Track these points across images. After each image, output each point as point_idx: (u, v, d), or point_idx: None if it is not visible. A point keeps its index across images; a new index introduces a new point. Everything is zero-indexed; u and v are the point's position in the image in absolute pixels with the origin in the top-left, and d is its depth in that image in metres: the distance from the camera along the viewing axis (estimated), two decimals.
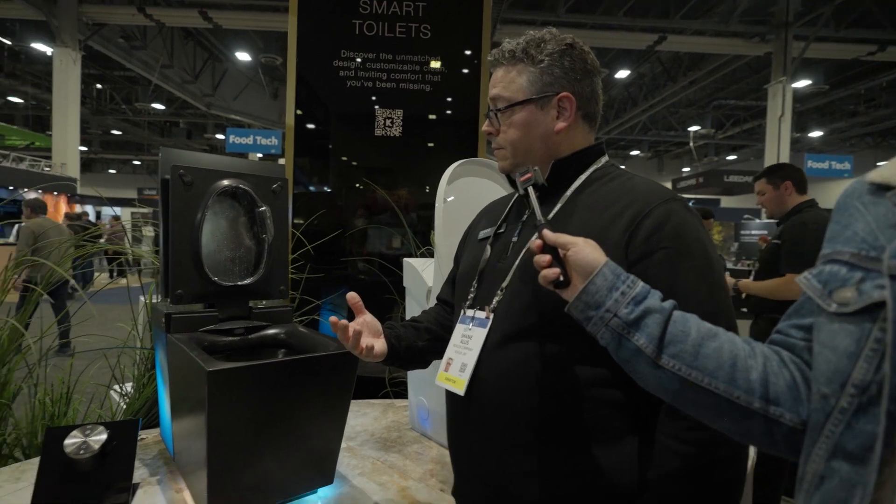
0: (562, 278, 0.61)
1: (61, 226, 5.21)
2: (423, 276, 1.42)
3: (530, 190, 0.71)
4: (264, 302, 1.38)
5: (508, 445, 0.73)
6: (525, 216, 0.83)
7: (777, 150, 10.62)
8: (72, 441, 1.03)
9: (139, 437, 1.32)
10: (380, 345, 0.85)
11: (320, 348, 1.06)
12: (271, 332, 1.24)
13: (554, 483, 0.71)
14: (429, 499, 1.09)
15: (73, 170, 11.64)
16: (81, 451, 1.02)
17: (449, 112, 2.17)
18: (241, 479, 0.95)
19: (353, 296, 0.84)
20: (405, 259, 1.49)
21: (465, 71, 2.15)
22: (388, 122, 2.07)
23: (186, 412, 1.04)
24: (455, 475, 0.85)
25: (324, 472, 1.08)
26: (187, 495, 1.06)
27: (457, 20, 2.13)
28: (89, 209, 12.23)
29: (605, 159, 0.84)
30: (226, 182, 1.23)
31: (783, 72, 10.15)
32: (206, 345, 1.10)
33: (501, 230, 0.87)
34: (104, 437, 1.05)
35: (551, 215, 0.79)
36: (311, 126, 2.13)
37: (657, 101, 13.84)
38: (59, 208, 11.73)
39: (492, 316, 0.77)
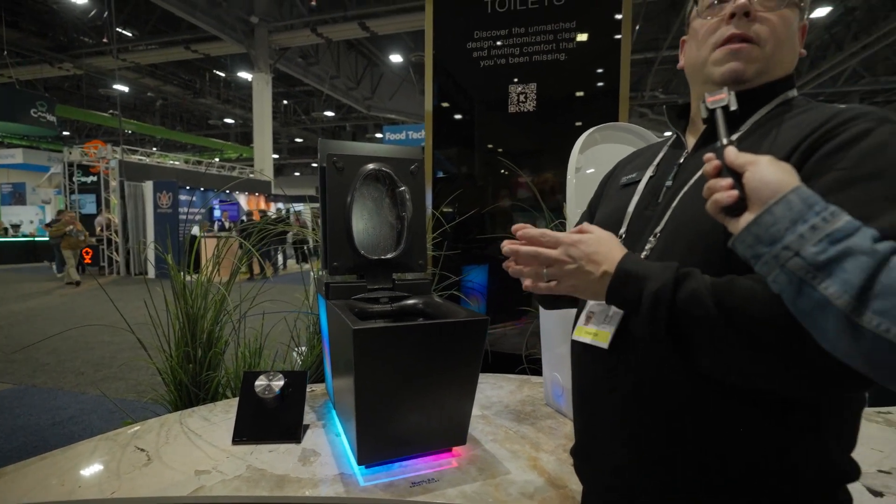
0: (737, 204, 0.52)
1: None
2: None
3: (718, 111, 0.62)
4: (409, 276, 1.50)
5: (659, 405, 0.65)
6: (682, 158, 0.74)
7: None
8: (260, 383, 1.27)
9: (309, 389, 1.56)
10: None
11: (452, 316, 1.12)
12: (411, 301, 1.35)
13: (707, 447, 0.63)
14: (559, 472, 1.07)
15: (269, 174, 14.07)
16: (266, 392, 1.25)
17: (587, 81, 2.04)
18: (385, 428, 1.06)
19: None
20: None
21: (604, 35, 1.99)
22: (521, 97, 2.04)
23: (341, 367, 1.19)
24: (579, 434, 0.80)
25: (457, 433, 1.14)
26: (344, 439, 1.22)
27: None
28: (280, 206, 14.62)
29: (794, 92, 0.71)
30: (370, 166, 1.36)
31: None
32: (356, 311, 1.24)
33: (652, 175, 0.77)
34: (282, 382, 1.27)
35: (736, 136, 0.68)
36: (447, 109, 2.22)
37: (874, 40, 10.95)
38: (259, 205, 14.28)
39: None
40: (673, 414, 0.64)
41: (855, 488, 0.96)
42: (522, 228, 0.68)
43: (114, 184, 11.07)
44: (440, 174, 2.26)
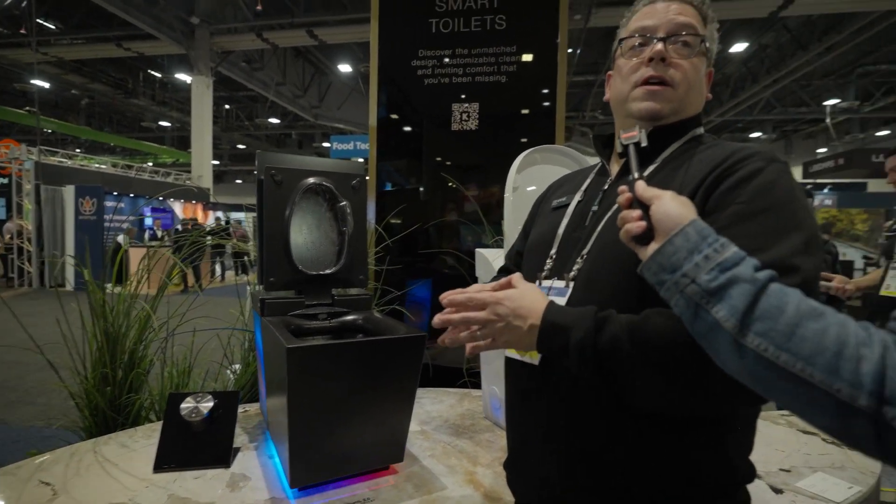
0: (645, 233, 0.57)
1: None
2: (494, 266, 1.42)
3: (631, 147, 0.69)
4: (352, 291, 1.48)
5: (586, 416, 0.69)
6: (607, 185, 0.81)
7: None
8: (186, 405, 1.20)
9: (243, 409, 1.50)
10: None
11: (390, 332, 1.12)
12: (350, 317, 1.33)
13: (634, 460, 0.67)
14: (494, 485, 1.09)
15: (208, 181, 13.40)
16: (193, 415, 1.18)
17: (526, 102, 2.13)
18: (319, 449, 1.03)
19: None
20: (477, 249, 1.50)
21: (543, 59, 2.09)
22: (464, 115, 2.10)
23: (275, 386, 1.16)
24: (512, 449, 0.84)
25: (394, 450, 1.13)
26: (277, 461, 1.18)
27: (532, 7, 2.08)
28: (220, 214, 13.97)
29: (701, 129, 0.80)
30: (311, 180, 1.34)
31: None
32: (292, 328, 1.21)
33: (580, 200, 0.84)
34: (211, 404, 1.21)
35: (647, 171, 0.76)
36: (393, 125, 2.23)
37: (783, 75, 12.19)
38: (197, 214, 13.56)
39: (571, 284, 0.74)
40: (599, 436, 0.68)
41: (759, 486, 1.05)
42: (449, 296, 0.71)
43: (28, 187, 10.12)
44: (388, 187, 2.26)
